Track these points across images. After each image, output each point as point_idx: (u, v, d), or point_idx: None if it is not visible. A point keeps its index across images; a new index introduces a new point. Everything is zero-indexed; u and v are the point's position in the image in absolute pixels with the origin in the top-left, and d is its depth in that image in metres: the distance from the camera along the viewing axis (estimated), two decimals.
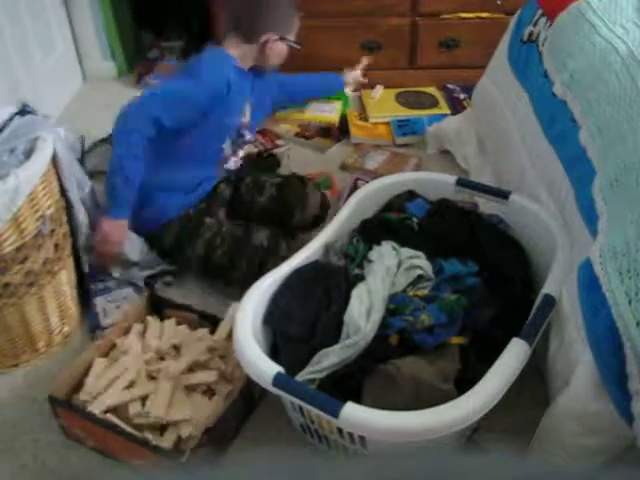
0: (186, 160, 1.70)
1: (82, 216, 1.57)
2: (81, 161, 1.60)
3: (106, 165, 1.61)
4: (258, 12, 1.69)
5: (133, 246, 1.67)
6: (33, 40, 2.31)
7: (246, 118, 1.79)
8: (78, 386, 1.37)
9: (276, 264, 1.40)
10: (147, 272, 1.70)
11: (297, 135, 2.33)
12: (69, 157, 1.51)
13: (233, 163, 1.83)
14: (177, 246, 1.69)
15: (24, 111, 1.46)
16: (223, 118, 1.68)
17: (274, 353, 1.31)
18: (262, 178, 1.83)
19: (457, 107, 2.41)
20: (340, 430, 1.15)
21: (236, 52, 1.70)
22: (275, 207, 1.77)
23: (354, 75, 2.21)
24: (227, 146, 1.77)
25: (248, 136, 1.85)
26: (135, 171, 1.56)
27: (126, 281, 1.68)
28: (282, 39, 1.73)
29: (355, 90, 2.40)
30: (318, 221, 1.78)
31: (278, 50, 1.74)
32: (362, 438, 1.12)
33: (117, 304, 1.64)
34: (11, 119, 1.43)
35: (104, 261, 1.66)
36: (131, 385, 1.34)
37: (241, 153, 1.85)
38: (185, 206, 1.71)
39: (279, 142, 2.30)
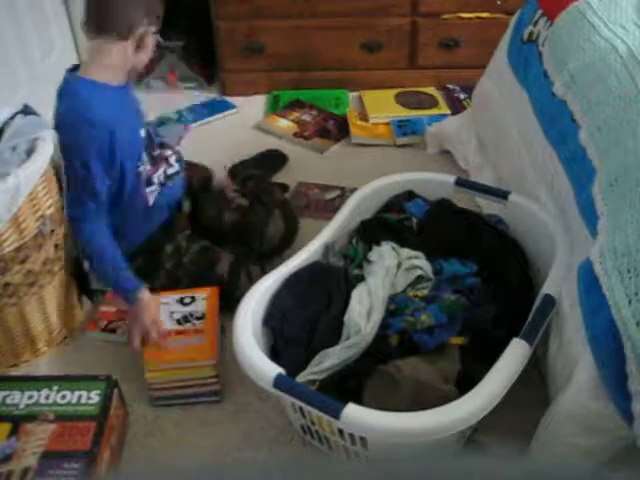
0: (116, 201, 1.58)
1: None
2: None
3: None
4: (129, 3, 1.49)
5: None
6: (33, 40, 2.31)
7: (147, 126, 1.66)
8: None
9: (236, 298, 1.33)
10: None
11: (295, 135, 2.33)
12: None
13: (158, 176, 1.66)
14: (144, 275, 1.57)
15: (26, 111, 1.46)
16: (126, 149, 1.53)
17: (274, 354, 1.31)
18: (230, 195, 1.74)
19: (457, 107, 2.41)
20: (341, 431, 1.15)
21: (107, 61, 1.50)
22: (238, 231, 1.70)
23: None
24: (144, 167, 1.61)
25: (156, 140, 1.69)
26: (115, 255, 1.50)
27: None
28: (155, 32, 1.55)
29: None
30: (281, 249, 1.69)
31: (149, 44, 1.54)
32: (363, 439, 1.12)
33: None
34: (13, 118, 1.43)
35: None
36: None
37: (170, 162, 1.70)
38: (143, 234, 1.64)
39: None
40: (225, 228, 1.71)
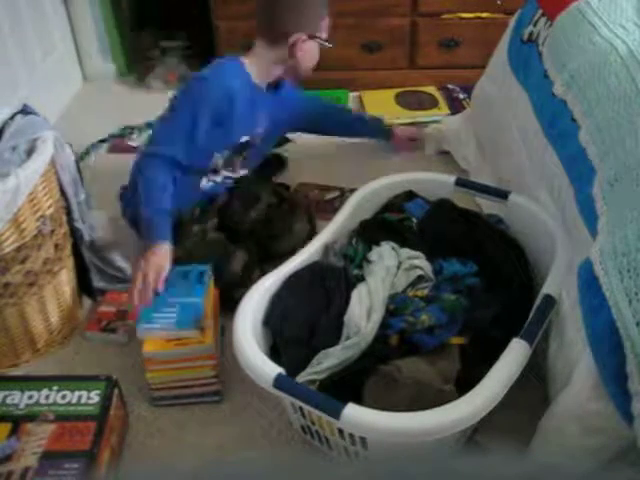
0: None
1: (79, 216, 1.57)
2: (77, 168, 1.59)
3: None
4: (283, 10, 1.62)
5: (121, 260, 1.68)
6: (33, 40, 2.31)
7: (255, 139, 1.75)
8: None
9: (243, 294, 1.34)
10: None
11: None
12: (67, 159, 1.51)
13: (224, 177, 1.77)
14: None
15: (26, 111, 1.46)
16: (227, 133, 1.65)
17: (274, 354, 1.31)
18: (257, 192, 1.78)
19: (457, 107, 2.41)
20: (341, 431, 1.15)
21: (259, 62, 1.66)
22: (261, 229, 1.73)
23: (406, 131, 2.13)
24: (221, 158, 1.72)
25: (254, 158, 1.81)
26: (162, 199, 1.56)
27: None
28: (311, 37, 1.65)
29: (400, 150, 2.19)
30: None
31: (309, 50, 1.67)
32: (363, 439, 1.12)
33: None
34: (12, 118, 1.44)
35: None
36: None
37: (236, 173, 1.80)
38: (179, 205, 1.66)
39: None
40: (247, 225, 1.74)
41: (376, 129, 2.14)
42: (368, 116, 2.20)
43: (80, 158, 1.66)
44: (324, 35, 1.69)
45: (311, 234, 1.74)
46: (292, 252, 1.58)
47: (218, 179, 1.76)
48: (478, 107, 2.02)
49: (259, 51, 1.67)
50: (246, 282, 1.57)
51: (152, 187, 1.55)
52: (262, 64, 1.68)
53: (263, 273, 1.57)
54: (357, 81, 2.57)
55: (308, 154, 2.25)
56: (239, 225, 1.73)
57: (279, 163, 2.17)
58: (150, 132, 1.87)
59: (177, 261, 1.54)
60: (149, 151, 1.60)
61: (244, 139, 1.72)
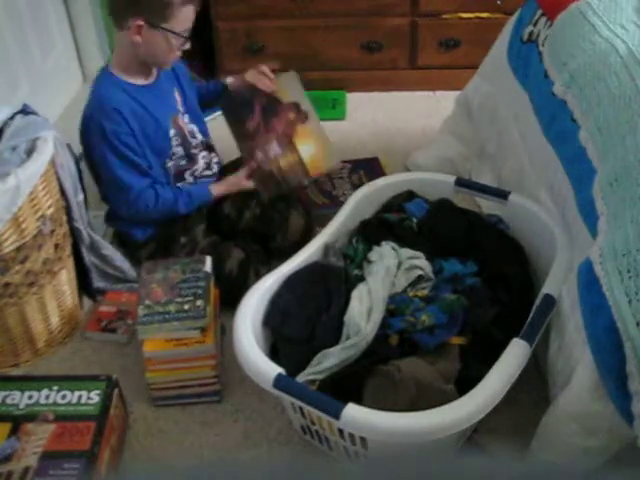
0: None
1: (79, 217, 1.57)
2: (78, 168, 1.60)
3: None
4: None
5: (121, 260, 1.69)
6: (33, 40, 2.31)
7: (181, 123, 1.69)
8: None
9: (244, 294, 1.33)
10: None
11: None
12: (67, 159, 1.51)
13: (193, 172, 1.73)
14: None
15: (26, 111, 1.46)
16: (149, 140, 1.60)
17: (274, 354, 1.31)
18: (247, 194, 1.76)
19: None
20: (341, 431, 1.15)
21: (118, 52, 1.58)
22: (257, 228, 1.73)
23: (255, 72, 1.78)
24: (174, 162, 1.68)
25: (199, 138, 1.74)
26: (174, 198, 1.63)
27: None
28: (154, 26, 1.49)
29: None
30: (298, 247, 1.62)
31: (151, 40, 1.50)
32: (363, 439, 1.12)
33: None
34: (12, 118, 1.44)
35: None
36: None
37: (207, 157, 1.77)
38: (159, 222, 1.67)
39: None
40: (243, 224, 1.73)
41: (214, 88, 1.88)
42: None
43: (80, 158, 1.66)
44: (179, 27, 1.51)
45: (307, 228, 1.75)
46: (289, 247, 1.60)
47: (191, 179, 1.73)
48: (477, 108, 2.02)
49: (117, 40, 1.59)
50: (243, 280, 1.57)
51: (164, 206, 1.62)
52: (122, 54, 1.58)
53: (259, 271, 1.59)
54: (357, 81, 2.57)
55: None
56: (233, 229, 1.73)
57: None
58: None
59: None
60: (129, 209, 1.62)
61: (172, 134, 1.66)
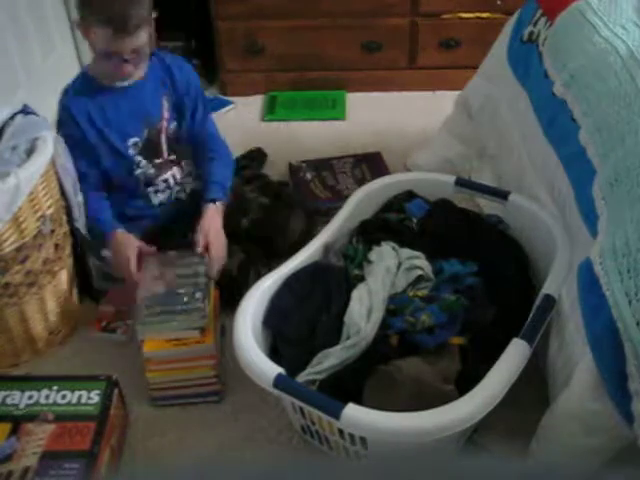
0: (116, 193, 1.65)
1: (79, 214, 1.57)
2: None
3: None
4: None
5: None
6: (33, 40, 2.31)
7: (159, 127, 1.63)
8: None
9: (244, 294, 1.32)
10: None
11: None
12: (67, 159, 1.51)
13: (165, 179, 1.67)
14: None
15: (26, 111, 1.46)
16: (107, 147, 1.58)
17: (274, 354, 1.31)
18: (248, 197, 1.75)
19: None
20: (341, 431, 1.15)
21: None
22: (258, 231, 1.72)
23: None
24: (142, 171, 1.64)
25: (165, 153, 1.66)
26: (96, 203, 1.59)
27: None
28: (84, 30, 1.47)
29: None
30: (299, 246, 1.55)
31: (91, 37, 1.47)
32: (363, 439, 1.12)
33: None
34: (13, 118, 1.44)
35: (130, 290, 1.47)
36: None
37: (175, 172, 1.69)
38: (140, 230, 1.63)
39: None
40: (244, 228, 1.72)
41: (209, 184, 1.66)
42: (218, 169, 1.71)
43: None
44: (94, 42, 1.49)
45: (308, 230, 1.73)
46: (290, 250, 1.55)
47: (159, 188, 1.67)
48: (476, 108, 2.02)
49: None
50: (244, 281, 1.57)
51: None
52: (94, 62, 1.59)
53: (259, 272, 1.58)
54: (357, 81, 2.56)
55: (315, 154, 2.25)
56: (233, 234, 1.67)
57: (260, 156, 2.15)
58: None
59: None
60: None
61: (134, 140, 1.60)
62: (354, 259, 1.46)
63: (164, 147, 1.66)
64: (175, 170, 1.70)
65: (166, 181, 1.68)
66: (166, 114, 1.65)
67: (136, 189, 1.66)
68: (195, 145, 1.72)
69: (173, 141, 1.67)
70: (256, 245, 1.70)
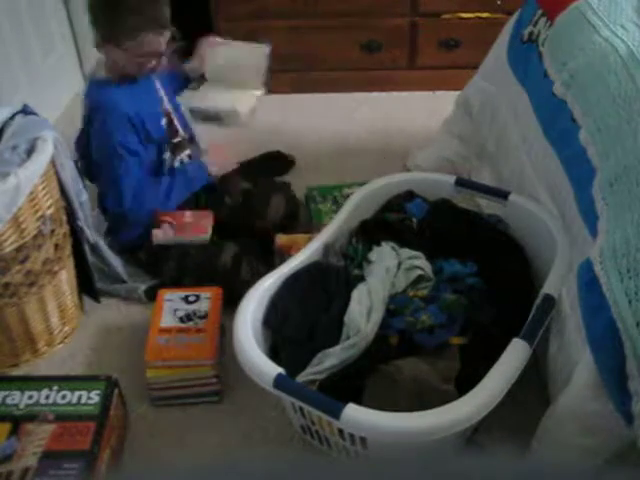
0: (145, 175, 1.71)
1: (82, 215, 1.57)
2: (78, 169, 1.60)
3: None
4: None
5: (118, 263, 1.69)
6: (33, 40, 2.31)
7: (169, 118, 1.75)
8: None
9: (238, 287, 1.36)
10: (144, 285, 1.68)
11: None
12: (67, 159, 1.51)
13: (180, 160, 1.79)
14: (154, 262, 1.68)
15: (26, 111, 1.46)
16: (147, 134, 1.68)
17: (274, 354, 1.31)
18: (234, 179, 1.81)
19: None
20: (341, 431, 1.15)
21: (107, 66, 1.67)
22: (239, 214, 1.74)
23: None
24: (167, 154, 1.75)
25: (180, 136, 1.79)
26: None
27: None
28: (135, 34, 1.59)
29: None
30: (283, 228, 1.70)
31: (136, 47, 1.60)
32: (363, 439, 1.12)
33: None
34: (12, 118, 1.44)
35: None
36: None
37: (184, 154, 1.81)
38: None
39: None
40: (226, 211, 1.75)
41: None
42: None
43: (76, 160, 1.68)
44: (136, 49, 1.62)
45: (290, 213, 1.78)
46: (274, 228, 1.67)
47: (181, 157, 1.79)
48: (476, 108, 2.02)
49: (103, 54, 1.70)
50: (236, 273, 1.59)
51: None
52: (108, 64, 1.70)
53: (252, 263, 1.62)
54: (357, 81, 2.56)
55: (315, 154, 2.25)
56: (218, 216, 1.72)
57: (285, 163, 2.17)
58: None
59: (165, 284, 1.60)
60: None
61: (163, 122, 1.73)
62: (354, 259, 1.46)
63: (178, 127, 1.77)
64: (190, 149, 1.80)
65: (182, 161, 1.78)
66: (165, 97, 1.77)
67: (160, 172, 1.74)
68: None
69: (180, 118, 1.78)
70: (248, 237, 1.71)
